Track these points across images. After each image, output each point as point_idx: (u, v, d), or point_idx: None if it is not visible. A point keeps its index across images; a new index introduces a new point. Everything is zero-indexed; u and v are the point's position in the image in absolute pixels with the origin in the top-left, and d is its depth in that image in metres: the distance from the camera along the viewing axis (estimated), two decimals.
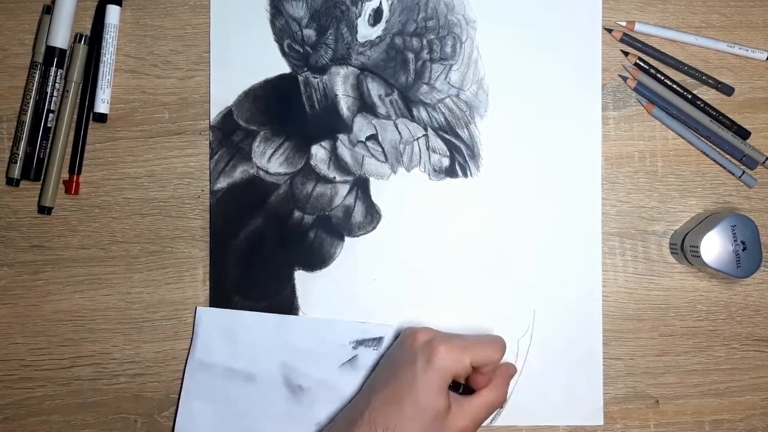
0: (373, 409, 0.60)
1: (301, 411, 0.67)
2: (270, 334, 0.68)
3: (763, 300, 0.70)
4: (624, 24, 0.69)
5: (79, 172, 0.69)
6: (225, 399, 0.67)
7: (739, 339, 0.70)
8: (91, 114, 0.69)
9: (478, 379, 0.62)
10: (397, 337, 0.67)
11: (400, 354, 0.63)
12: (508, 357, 0.68)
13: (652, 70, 0.69)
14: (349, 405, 0.65)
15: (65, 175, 0.69)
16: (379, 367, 0.66)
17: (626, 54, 0.70)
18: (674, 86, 0.69)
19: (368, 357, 0.67)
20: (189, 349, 0.68)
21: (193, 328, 0.68)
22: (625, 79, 0.70)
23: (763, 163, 0.69)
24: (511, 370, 0.65)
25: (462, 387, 0.63)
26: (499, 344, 0.63)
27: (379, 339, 0.67)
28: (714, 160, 0.69)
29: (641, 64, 0.69)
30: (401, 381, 0.60)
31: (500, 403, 0.63)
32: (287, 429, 0.67)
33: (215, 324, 0.68)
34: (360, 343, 0.67)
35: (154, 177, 0.69)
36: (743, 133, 0.69)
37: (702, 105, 0.69)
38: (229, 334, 0.68)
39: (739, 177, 0.69)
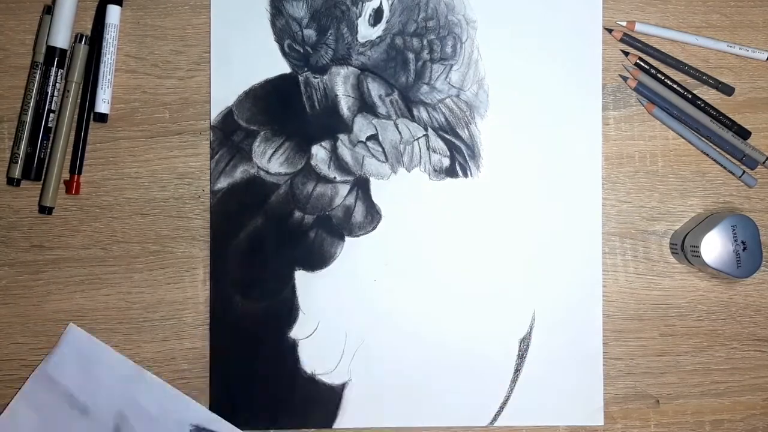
0: None
1: None
2: (121, 382, 0.67)
3: (764, 300, 0.70)
4: (624, 24, 0.69)
5: (80, 172, 0.69)
6: (53, 420, 0.67)
7: (740, 339, 0.70)
8: (92, 114, 0.69)
9: None
10: None
11: None
12: (508, 356, 0.69)
13: (652, 70, 0.69)
14: None
15: (66, 175, 0.69)
16: None
17: (626, 54, 0.70)
18: (674, 86, 0.69)
19: None
20: (44, 358, 0.68)
21: (58, 341, 0.68)
22: (625, 79, 0.70)
23: (763, 163, 0.69)
24: None
25: None
26: None
27: None
28: (714, 160, 0.69)
29: (641, 64, 0.69)
30: None
31: None
32: None
33: (78, 347, 0.68)
34: (199, 429, 0.67)
35: (155, 177, 0.69)
36: (743, 133, 0.69)
37: (702, 105, 0.69)
38: (86, 363, 0.67)
39: (740, 177, 0.69)
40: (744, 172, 0.69)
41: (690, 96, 0.69)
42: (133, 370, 0.68)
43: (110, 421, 0.67)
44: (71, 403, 0.67)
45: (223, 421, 0.67)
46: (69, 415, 0.67)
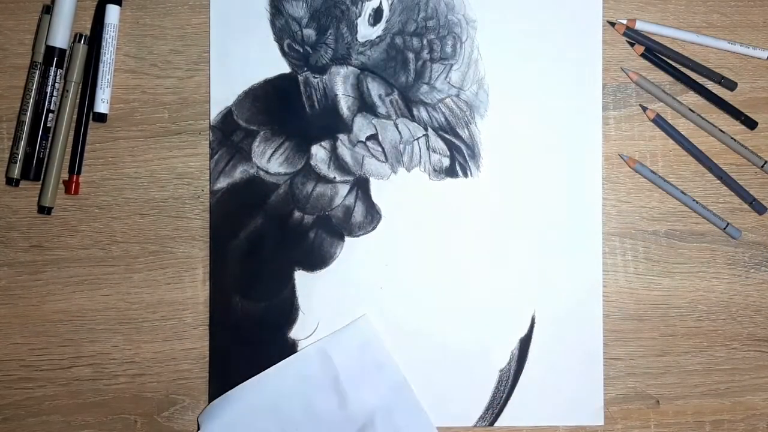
0: None
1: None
2: (388, 388, 0.67)
3: (764, 300, 0.70)
4: (624, 23, 0.69)
5: (79, 172, 0.69)
6: (313, 393, 0.67)
7: (740, 339, 0.69)
8: (91, 114, 0.69)
9: None
10: None
11: None
12: (508, 356, 0.69)
13: (656, 59, 0.69)
14: None
15: (65, 175, 0.69)
16: None
17: (632, 45, 0.69)
18: (679, 75, 0.69)
19: None
20: (326, 336, 0.68)
21: (347, 325, 0.68)
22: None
23: (762, 166, 0.69)
24: None
25: None
26: None
27: None
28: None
29: (648, 55, 0.69)
30: None
31: None
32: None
33: (363, 338, 0.67)
34: None
35: (154, 177, 0.69)
36: (750, 123, 0.69)
37: (707, 94, 0.69)
38: (363, 355, 0.67)
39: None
40: (754, 200, 0.69)
41: (695, 85, 0.69)
42: (401, 381, 0.67)
43: (360, 419, 0.67)
44: (335, 386, 0.67)
45: None
46: (327, 397, 0.67)
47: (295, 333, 0.69)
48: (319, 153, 0.69)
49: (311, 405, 0.67)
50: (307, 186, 0.69)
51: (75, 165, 0.68)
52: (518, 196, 0.69)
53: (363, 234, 0.69)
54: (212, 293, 0.69)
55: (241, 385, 0.67)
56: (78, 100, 0.69)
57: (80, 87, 0.69)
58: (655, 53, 0.69)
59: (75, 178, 0.68)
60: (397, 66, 0.70)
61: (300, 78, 0.69)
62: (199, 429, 0.67)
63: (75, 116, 0.69)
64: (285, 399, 0.67)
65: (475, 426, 0.69)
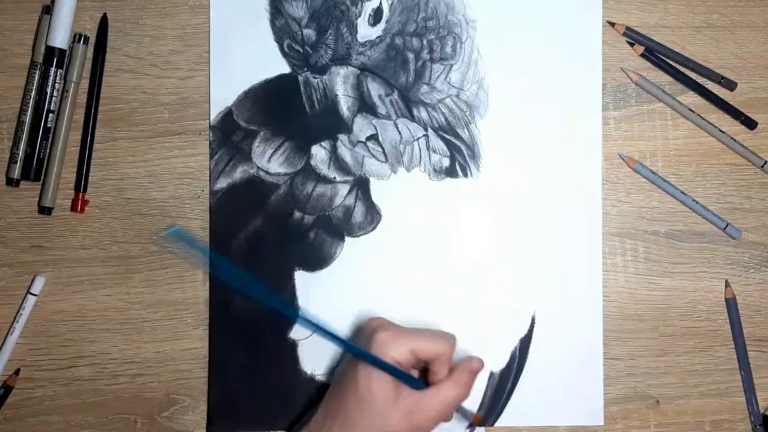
0: (326, 400, 0.61)
1: None
2: None
3: (764, 300, 0.70)
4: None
5: (85, 190, 0.68)
6: None
7: None
8: (95, 132, 0.68)
9: (433, 377, 0.60)
10: None
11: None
12: (508, 357, 0.69)
13: (656, 59, 0.69)
14: None
15: (65, 175, 0.69)
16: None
17: (632, 45, 0.69)
18: (679, 75, 0.69)
19: None
20: None
21: None
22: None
23: (762, 166, 0.69)
24: (473, 365, 0.61)
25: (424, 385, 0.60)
26: (447, 338, 0.61)
27: None
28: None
29: (648, 55, 0.69)
30: (347, 369, 0.61)
31: (461, 399, 0.60)
32: None
33: None
34: None
35: (154, 177, 0.69)
36: (750, 123, 0.69)
37: (707, 94, 0.69)
38: None
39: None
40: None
41: (695, 85, 0.69)
42: None
43: None
44: None
45: None
46: None
47: (295, 333, 0.69)
48: (319, 153, 0.69)
49: None
50: (307, 186, 0.69)
51: (81, 182, 0.68)
52: (518, 196, 0.69)
53: (363, 234, 0.69)
54: (212, 293, 0.69)
55: None
56: (77, 105, 0.69)
57: (81, 88, 0.69)
58: (655, 53, 0.69)
59: (81, 195, 0.68)
60: (397, 66, 0.70)
61: (300, 78, 0.69)
62: None
63: (75, 116, 0.69)
64: None
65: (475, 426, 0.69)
